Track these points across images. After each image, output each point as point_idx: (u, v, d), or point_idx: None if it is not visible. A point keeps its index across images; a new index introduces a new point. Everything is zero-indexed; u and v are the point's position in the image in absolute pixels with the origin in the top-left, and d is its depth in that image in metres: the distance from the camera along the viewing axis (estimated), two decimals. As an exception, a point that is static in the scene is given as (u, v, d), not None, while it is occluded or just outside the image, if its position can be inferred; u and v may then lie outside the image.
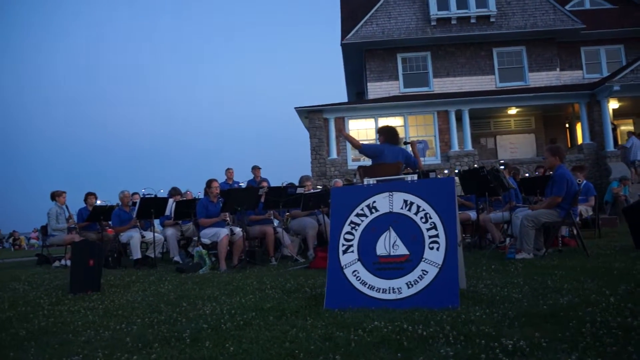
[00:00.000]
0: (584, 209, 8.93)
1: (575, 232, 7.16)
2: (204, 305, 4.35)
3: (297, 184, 9.51)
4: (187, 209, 9.01)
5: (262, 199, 8.41)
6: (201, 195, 9.40)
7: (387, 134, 6.53)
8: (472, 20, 20.57)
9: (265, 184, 10.45)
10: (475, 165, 14.34)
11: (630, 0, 22.89)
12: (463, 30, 20.54)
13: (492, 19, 20.55)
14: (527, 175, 12.91)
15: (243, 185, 11.57)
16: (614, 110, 18.90)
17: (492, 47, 21.06)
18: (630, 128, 20.59)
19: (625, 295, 3.65)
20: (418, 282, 3.76)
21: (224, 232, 7.61)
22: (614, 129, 19.19)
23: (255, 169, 12.66)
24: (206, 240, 7.83)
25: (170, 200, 9.61)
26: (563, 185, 6.41)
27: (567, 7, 21.59)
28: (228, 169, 12.17)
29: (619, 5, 22.61)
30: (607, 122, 18.22)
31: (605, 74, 20.66)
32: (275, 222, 9.15)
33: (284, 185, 9.57)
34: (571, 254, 6.52)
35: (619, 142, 18.85)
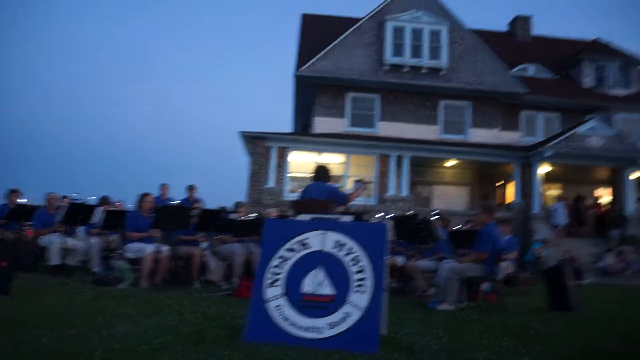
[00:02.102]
0: (507, 265, 9.20)
1: (496, 288, 7.37)
2: (120, 323, 4.20)
3: (231, 208, 9.44)
4: (116, 220, 8.75)
5: (194, 220, 8.28)
6: (132, 208, 9.16)
7: (315, 172, 6.66)
8: (424, 71, 21.22)
9: (199, 204, 10.31)
10: (410, 212, 14.60)
11: (568, 75, 24.25)
12: (414, 79, 21.14)
13: (442, 72, 21.26)
14: (458, 227, 13.22)
15: (176, 203, 11.36)
16: (545, 174, 19.73)
17: (440, 99, 21.74)
18: (558, 193, 21.54)
19: (539, 356, 3.77)
20: (340, 323, 3.76)
21: (150, 248, 7.42)
22: (543, 193, 20.01)
23: (191, 188, 12.46)
24: (130, 255, 7.61)
25: (99, 209, 9.31)
26: (489, 242, 6.61)
27: (513, 71, 22.61)
28: (163, 185, 11.94)
29: (559, 77, 23.89)
30: (536, 185, 18.99)
31: (541, 138, 21.63)
32: (204, 245, 9.00)
33: (218, 208, 9.47)
34: (491, 309, 6.68)
35: (546, 206, 19.65)
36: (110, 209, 9.72)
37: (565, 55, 25.27)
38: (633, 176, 19.52)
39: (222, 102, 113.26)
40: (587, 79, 23.71)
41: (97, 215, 9.01)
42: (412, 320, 5.34)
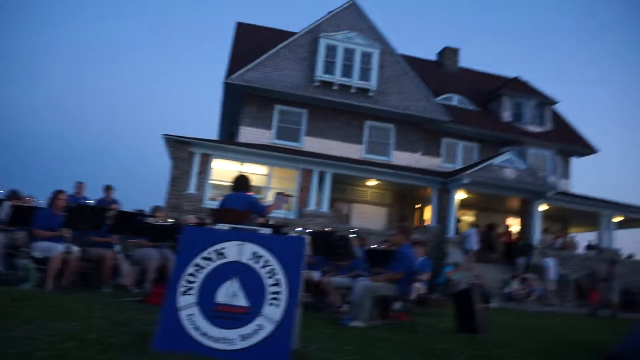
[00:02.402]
0: (420, 285, 9.42)
1: (408, 308, 7.53)
2: (18, 326, 3.97)
3: (148, 212, 9.19)
4: (25, 216, 8.30)
5: (109, 222, 7.99)
6: (44, 204, 8.72)
7: (234, 181, 6.60)
8: (353, 90, 21.55)
9: (115, 206, 9.98)
10: (328, 228, 14.71)
11: (489, 108, 25.37)
12: (342, 97, 21.42)
13: (370, 93, 21.67)
14: (374, 246, 13.43)
15: (92, 203, 10.94)
16: (461, 200, 20.42)
17: (366, 119, 22.14)
18: (472, 219, 22.34)
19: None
20: (252, 336, 3.73)
21: (59, 248, 7.09)
22: (458, 220, 20.69)
23: (108, 188, 12.06)
24: (37, 254, 7.23)
25: (7, 204, 8.81)
26: (404, 263, 6.77)
27: (438, 99, 23.36)
28: (78, 183, 11.48)
29: (481, 109, 24.93)
30: (452, 210, 19.62)
31: (460, 166, 22.45)
32: (117, 248, 8.70)
33: (135, 211, 9.19)
34: (401, 328, 6.81)
35: (460, 231, 20.32)
36: (19, 204, 9.22)
37: (488, 89, 26.48)
38: (541, 208, 20.56)
39: (149, 105, 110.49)
40: (506, 114, 24.85)
41: (4, 210, 8.52)
42: (324, 335, 5.36)
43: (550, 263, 18.18)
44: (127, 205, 11.33)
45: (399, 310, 8.31)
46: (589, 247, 23.08)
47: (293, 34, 22.72)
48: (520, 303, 15.73)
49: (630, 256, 21.98)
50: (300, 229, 11.40)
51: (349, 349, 4.63)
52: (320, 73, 21.32)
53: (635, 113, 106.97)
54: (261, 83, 20.67)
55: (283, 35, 23.46)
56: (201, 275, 3.99)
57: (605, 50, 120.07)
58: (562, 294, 17.84)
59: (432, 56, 29.79)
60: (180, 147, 18.35)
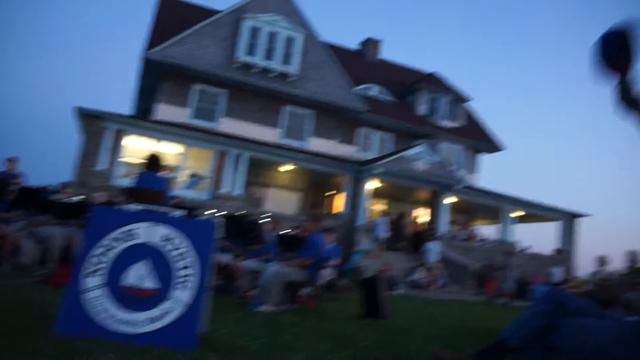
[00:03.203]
0: (329, 271, 9.62)
1: (317, 293, 7.68)
2: None
3: (55, 188, 8.83)
4: None
5: (11, 196, 7.62)
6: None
7: (147, 160, 6.50)
8: (274, 74, 21.52)
9: (19, 180, 9.50)
10: (241, 212, 14.67)
11: (406, 100, 26.05)
12: (263, 80, 21.33)
13: (291, 78, 21.70)
14: (286, 232, 13.54)
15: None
16: (373, 189, 20.91)
17: (285, 104, 22.17)
18: (383, 208, 22.94)
19: (348, 358, 4.01)
20: (160, 319, 3.71)
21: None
22: (369, 207, 21.19)
23: (11, 161, 11.40)
24: None
25: None
26: (314, 249, 6.89)
27: (357, 88, 23.73)
28: (-22, 153, 10.82)
29: (398, 102, 25.55)
30: (364, 199, 20.07)
31: (374, 155, 22.96)
32: (18, 224, 8.31)
33: (41, 186, 8.81)
34: (310, 313, 6.93)
35: (370, 219, 20.83)
36: None
37: (406, 82, 27.18)
38: (448, 200, 21.41)
39: (60, 75, 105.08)
40: (422, 107, 25.61)
41: None
42: (233, 319, 5.39)
43: (432, 246, 19.05)
44: (35, 180, 10.81)
45: (307, 296, 8.45)
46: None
47: (218, 12, 22.35)
48: (424, 290, 16.36)
49: (525, 248, 23.36)
50: (213, 211, 11.33)
51: (256, 333, 4.69)
52: (242, 54, 21.11)
53: (539, 115, 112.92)
54: (182, 60, 20.22)
55: (207, 12, 23.05)
56: (110, 256, 3.90)
57: (520, 59, 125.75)
58: (462, 282, 18.70)
59: (354, 46, 30.15)
60: (92, 121, 17.66)
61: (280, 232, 11.00)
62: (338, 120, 23.13)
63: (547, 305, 3.14)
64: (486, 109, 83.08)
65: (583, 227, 25.75)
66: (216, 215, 10.28)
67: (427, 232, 20.74)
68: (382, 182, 20.64)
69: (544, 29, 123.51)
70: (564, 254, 23.25)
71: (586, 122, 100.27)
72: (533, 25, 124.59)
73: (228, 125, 21.08)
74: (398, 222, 21.47)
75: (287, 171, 21.66)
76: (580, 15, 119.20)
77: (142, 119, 20.81)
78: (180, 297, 3.81)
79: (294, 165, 20.58)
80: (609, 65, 2.07)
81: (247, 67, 21.26)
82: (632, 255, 9.79)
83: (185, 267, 3.91)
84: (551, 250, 23.88)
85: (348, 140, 23.65)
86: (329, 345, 4.57)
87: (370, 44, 29.51)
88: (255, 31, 21.60)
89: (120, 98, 79.31)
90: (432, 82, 26.86)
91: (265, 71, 21.49)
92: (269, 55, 21.65)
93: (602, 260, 10.85)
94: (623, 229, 78.37)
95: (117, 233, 3.99)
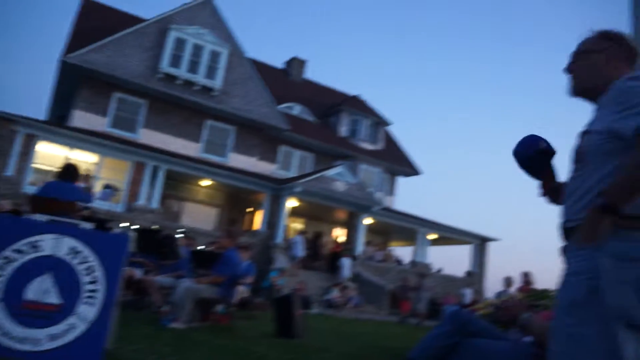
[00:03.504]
0: (243, 289, 9.54)
1: (230, 311, 7.60)
2: None
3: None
4: None
5: None
6: None
7: (62, 169, 6.28)
8: (197, 87, 21.28)
9: None
10: (155, 226, 14.31)
11: (328, 121, 26.43)
12: (186, 93, 21.05)
13: (214, 93, 21.55)
14: (201, 247, 13.33)
15: None
16: (292, 208, 20.98)
17: (207, 118, 21.97)
18: (300, 227, 23.05)
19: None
20: (63, 336, 3.56)
21: None
22: (287, 225, 21.24)
23: None
24: None
25: None
26: (229, 266, 6.83)
27: (280, 107, 23.84)
28: None
29: (320, 122, 25.89)
30: (282, 217, 20.09)
31: (294, 174, 23.08)
32: None
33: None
34: (222, 331, 6.84)
35: (288, 237, 20.87)
36: None
37: (329, 103, 27.57)
38: (366, 221, 21.79)
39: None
40: (343, 129, 26.05)
41: None
42: (142, 336, 5.25)
43: (346, 262, 19.39)
44: None
45: (220, 313, 8.35)
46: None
47: (142, 20, 21.95)
48: (339, 310, 16.50)
49: (439, 270, 24.09)
50: (126, 224, 11.03)
51: (165, 350, 4.59)
52: (165, 65, 20.78)
53: (457, 142, 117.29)
54: (102, 67, 19.65)
55: (132, 20, 22.60)
56: (9, 269, 3.72)
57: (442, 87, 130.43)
58: (377, 302, 19.00)
59: (280, 64, 30.33)
60: (3, 124, 16.78)
61: (196, 248, 10.83)
62: (259, 137, 23.12)
63: (450, 327, 3.28)
64: (406, 134, 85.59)
65: (493, 250, 26.87)
66: (130, 228, 10.01)
67: (344, 252, 20.97)
68: (301, 201, 20.74)
69: (465, 65, 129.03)
70: (474, 276, 24.14)
71: (500, 155, 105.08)
72: (456, 60, 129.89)
73: (148, 136, 20.61)
74: (315, 242, 21.62)
75: (206, 186, 21.37)
76: (503, 56, 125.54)
77: (57, 125, 19.99)
78: (86, 312, 3.68)
79: (213, 180, 20.30)
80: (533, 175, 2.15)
81: (170, 78, 20.93)
82: (526, 277, 10.33)
83: (92, 282, 3.79)
84: (463, 272, 24.73)
85: (269, 157, 23.68)
86: (238, 364, 4.54)
87: (296, 63, 29.77)
88: (180, 43, 21.32)
89: (36, 102, 76.02)
90: (354, 105, 27.39)
91: (188, 84, 21.22)
92: (193, 68, 21.41)
93: (508, 282, 11.38)
94: (529, 251, 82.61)
95: (19, 244, 3.81)
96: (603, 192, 1.61)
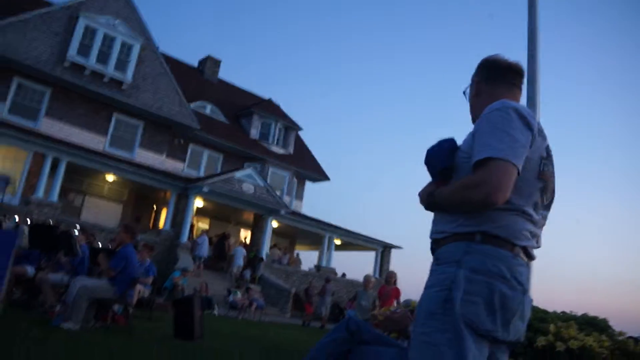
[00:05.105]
0: (142, 289, 9.32)
1: (127, 311, 7.42)
2: None
3: None
4: None
5: None
6: None
7: None
8: (106, 79, 20.57)
9: None
10: (51, 222, 13.67)
11: (240, 123, 26.34)
12: (93, 84, 20.30)
13: (124, 86, 20.93)
14: (100, 245, 12.91)
15: None
16: (198, 207, 20.72)
17: (115, 111, 21.31)
18: (206, 227, 22.81)
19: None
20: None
21: None
22: (192, 226, 20.96)
23: None
24: None
25: None
26: (122, 262, 6.62)
27: (191, 105, 23.45)
28: None
29: (231, 123, 25.73)
30: (188, 216, 19.79)
31: (202, 174, 22.82)
32: None
33: None
34: (118, 332, 6.68)
35: (193, 237, 20.58)
36: None
37: (241, 105, 27.45)
38: (273, 224, 21.88)
39: None
40: (254, 131, 26.03)
41: None
42: (31, 338, 5.01)
43: (240, 252, 19.79)
44: None
45: (118, 314, 8.13)
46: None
47: (50, 4, 20.95)
48: (242, 312, 16.45)
49: (343, 275, 24.53)
50: (18, 219, 10.51)
51: (56, 353, 4.45)
52: (73, 54, 19.95)
53: (368, 150, 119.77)
54: (1, 49, 18.51)
55: (38, 2, 21.39)
56: None
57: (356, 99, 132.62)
58: (281, 305, 19.10)
59: (195, 62, 29.87)
60: None
61: (95, 245, 10.49)
62: (168, 134, 22.67)
63: (343, 334, 3.40)
64: (318, 139, 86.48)
65: (396, 258, 27.58)
66: (22, 223, 9.54)
67: (249, 254, 20.93)
68: (207, 201, 20.53)
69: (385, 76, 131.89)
70: (377, 282, 24.71)
71: (405, 166, 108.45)
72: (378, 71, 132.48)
73: (49, 126, 19.65)
74: (220, 242, 21.42)
75: (110, 181, 20.60)
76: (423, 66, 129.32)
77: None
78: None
79: (118, 176, 19.68)
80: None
81: (78, 68, 20.06)
82: (389, 275, 10.58)
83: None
84: (365, 278, 25.25)
85: (177, 156, 23.25)
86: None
87: (210, 63, 29.38)
88: (90, 32, 20.50)
89: None
90: (266, 108, 27.40)
91: (97, 75, 20.44)
92: (103, 59, 20.64)
93: (367, 282, 11.49)
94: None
95: None
96: (437, 191, 1.85)
